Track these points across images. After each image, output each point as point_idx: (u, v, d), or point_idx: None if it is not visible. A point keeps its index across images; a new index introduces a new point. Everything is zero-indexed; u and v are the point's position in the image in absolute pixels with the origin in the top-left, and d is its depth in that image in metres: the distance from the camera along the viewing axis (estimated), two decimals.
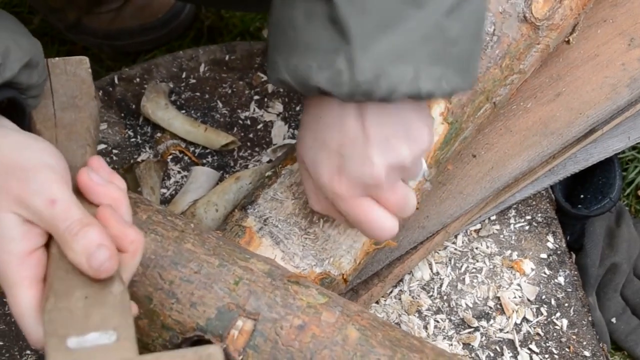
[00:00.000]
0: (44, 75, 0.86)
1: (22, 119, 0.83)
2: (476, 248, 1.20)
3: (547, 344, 1.13)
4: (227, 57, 1.37)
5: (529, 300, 1.17)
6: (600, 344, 1.15)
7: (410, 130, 0.84)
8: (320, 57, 0.79)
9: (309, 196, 0.92)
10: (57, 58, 0.92)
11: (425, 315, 1.15)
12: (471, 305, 1.16)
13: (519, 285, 1.17)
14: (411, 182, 0.95)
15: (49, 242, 0.74)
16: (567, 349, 1.13)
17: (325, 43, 0.79)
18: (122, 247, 0.74)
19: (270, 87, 1.33)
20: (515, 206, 1.24)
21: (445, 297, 1.16)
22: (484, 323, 1.15)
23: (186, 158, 1.28)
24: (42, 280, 0.72)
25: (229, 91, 1.34)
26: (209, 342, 0.83)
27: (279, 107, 1.32)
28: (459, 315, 1.15)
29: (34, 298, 0.71)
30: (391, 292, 1.16)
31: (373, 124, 0.83)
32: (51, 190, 0.72)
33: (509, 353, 1.12)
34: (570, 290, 1.18)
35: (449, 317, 1.15)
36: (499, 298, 1.16)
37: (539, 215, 1.24)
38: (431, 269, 1.18)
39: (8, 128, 0.80)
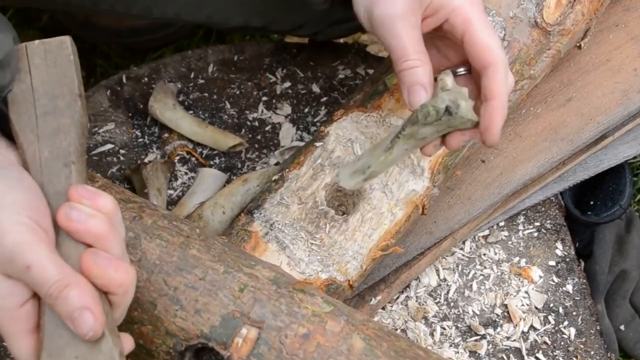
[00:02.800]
0: (16, 68, 0.79)
1: (3, 122, 0.79)
2: (484, 254, 1.19)
3: (555, 353, 1.12)
4: (235, 58, 1.36)
5: (536, 308, 1.15)
6: (608, 354, 1.13)
7: None
8: None
9: None
10: (36, 42, 0.81)
11: (432, 322, 1.14)
12: (478, 313, 1.15)
13: (526, 292, 1.16)
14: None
15: None
16: (574, 359, 1.12)
17: None
18: (110, 291, 0.73)
19: (278, 89, 1.33)
20: (524, 212, 1.23)
21: (452, 304, 1.15)
22: (490, 331, 1.14)
23: (193, 159, 1.27)
24: (35, 329, 0.72)
25: (237, 92, 1.33)
26: (212, 350, 0.82)
27: (287, 108, 1.31)
28: (465, 323, 1.14)
29: (29, 348, 0.72)
30: (398, 298, 1.16)
31: None
32: (23, 256, 0.70)
33: None
34: (578, 298, 1.17)
35: (455, 324, 1.14)
36: (506, 305, 1.15)
37: (548, 221, 1.22)
38: (438, 275, 1.17)
39: None
